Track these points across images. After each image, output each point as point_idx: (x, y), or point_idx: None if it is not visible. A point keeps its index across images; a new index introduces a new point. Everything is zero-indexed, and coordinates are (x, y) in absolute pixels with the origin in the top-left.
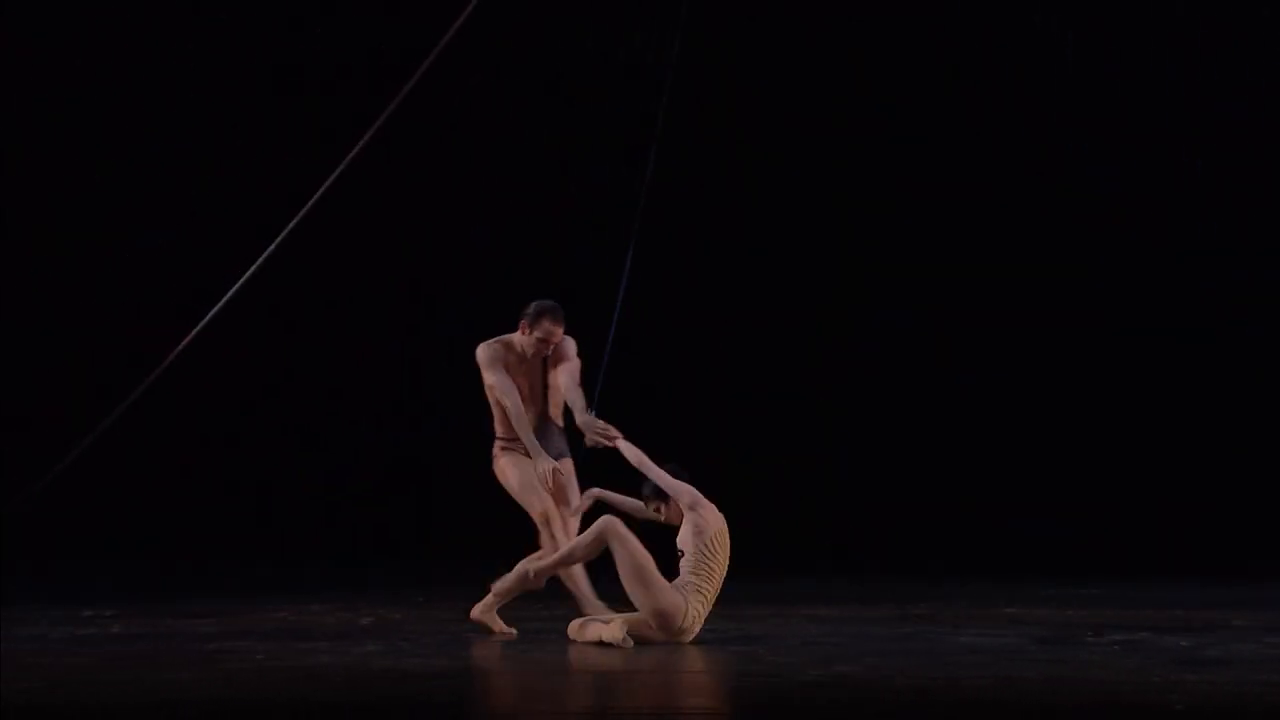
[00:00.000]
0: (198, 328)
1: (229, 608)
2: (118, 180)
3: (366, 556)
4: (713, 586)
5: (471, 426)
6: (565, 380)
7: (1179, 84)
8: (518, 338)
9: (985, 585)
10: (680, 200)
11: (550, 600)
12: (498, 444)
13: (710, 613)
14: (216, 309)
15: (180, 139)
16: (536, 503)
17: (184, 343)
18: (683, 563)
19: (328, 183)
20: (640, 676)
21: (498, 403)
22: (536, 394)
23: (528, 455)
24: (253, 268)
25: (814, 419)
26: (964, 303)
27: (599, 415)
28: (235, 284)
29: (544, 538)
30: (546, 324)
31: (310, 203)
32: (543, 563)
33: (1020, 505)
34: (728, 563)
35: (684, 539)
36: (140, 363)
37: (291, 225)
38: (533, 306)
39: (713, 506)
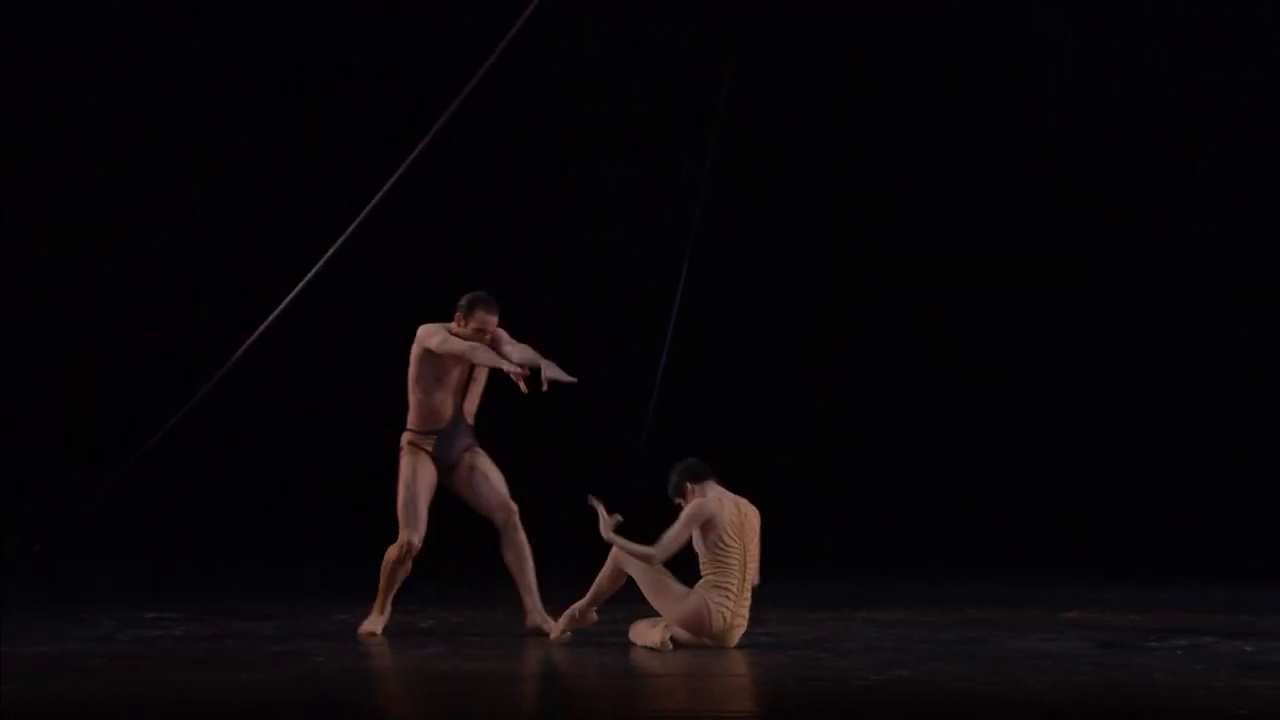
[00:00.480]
0: (259, 330)
1: (290, 610)
2: (118, 180)
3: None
4: (733, 579)
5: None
6: (508, 348)
7: (1179, 84)
8: (454, 328)
9: (1033, 587)
10: (681, 201)
11: (608, 603)
12: (407, 434)
13: (767, 615)
14: (275, 314)
15: (180, 139)
16: (410, 528)
17: (245, 345)
18: (700, 565)
19: (385, 187)
20: (676, 680)
21: (422, 392)
22: (461, 387)
23: (431, 456)
24: (309, 274)
25: (814, 419)
26: (964, 303)
27: (658, 417)
28: (291, 292)
29: (392, 547)
30: (480, 314)
31: (369, 206)
32: (579, 603)
33: (1020, 505)
34: (753, 549)
35: (696, 544)
36: (140, 362)
37: (349, 231)
38: (465, 298)
39: (722, 500)
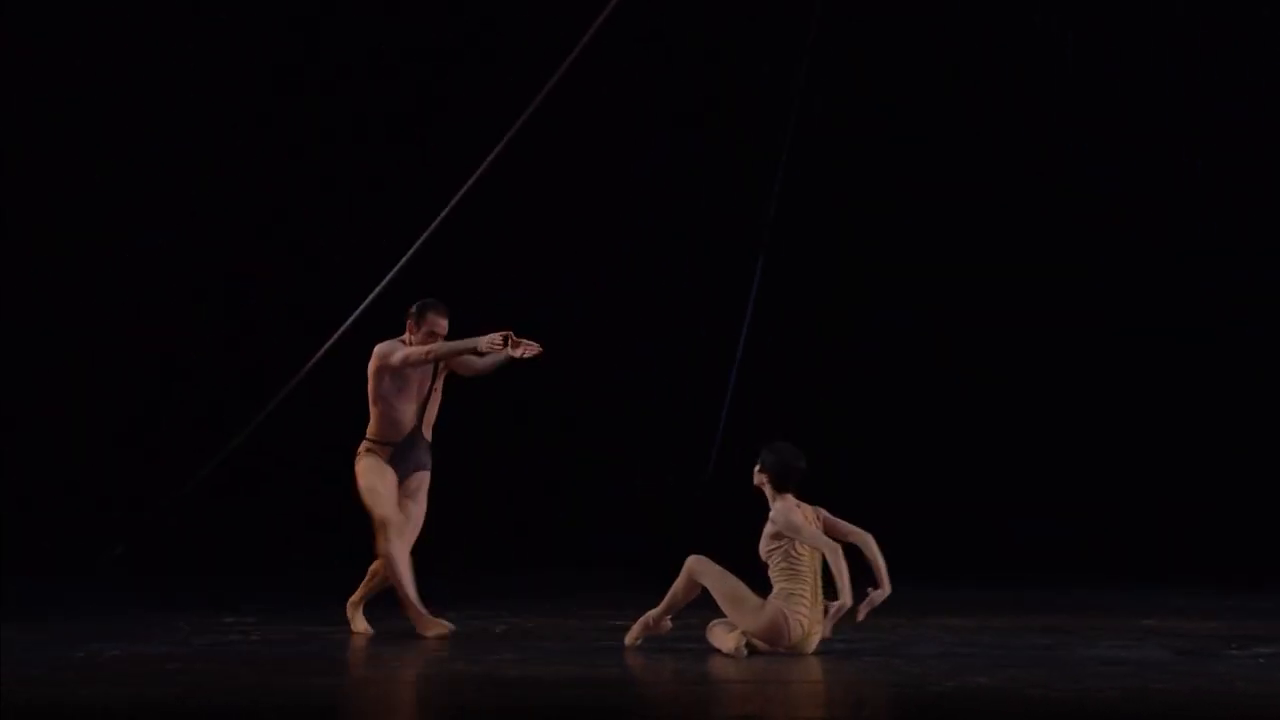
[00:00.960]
0: (333, 338)
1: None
2: (118, 180)
3: (497, 565)
4: (806, 586)
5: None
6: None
7: (1179, 84)
8: (407, 338)
9: (1114, 594)
10: (683, 199)
11: (684, 610)
12: (365, 443)
13: (839, 621)
14: (348, 323)
15: (180, 139)
16: (381, 506)
17: (319, 353)
18: (770, 574)
19: (456, 198)
20: (751, 686)
21: (383, 406)
22: (422, 398)
23: (387, 460)
24: (384, 281)
25: (814, 419)
26: (964, 303)
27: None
28: (367, 298)
29: (379, 540)
30: (431, 317)
31: (444, 211)
32: (654, 611)
33: (1020, 505)
34: (817, 552)
35: (763, 550)
36: (140, 362)
37: (423, 238)
38: (416, 305)
39: (795, 509)
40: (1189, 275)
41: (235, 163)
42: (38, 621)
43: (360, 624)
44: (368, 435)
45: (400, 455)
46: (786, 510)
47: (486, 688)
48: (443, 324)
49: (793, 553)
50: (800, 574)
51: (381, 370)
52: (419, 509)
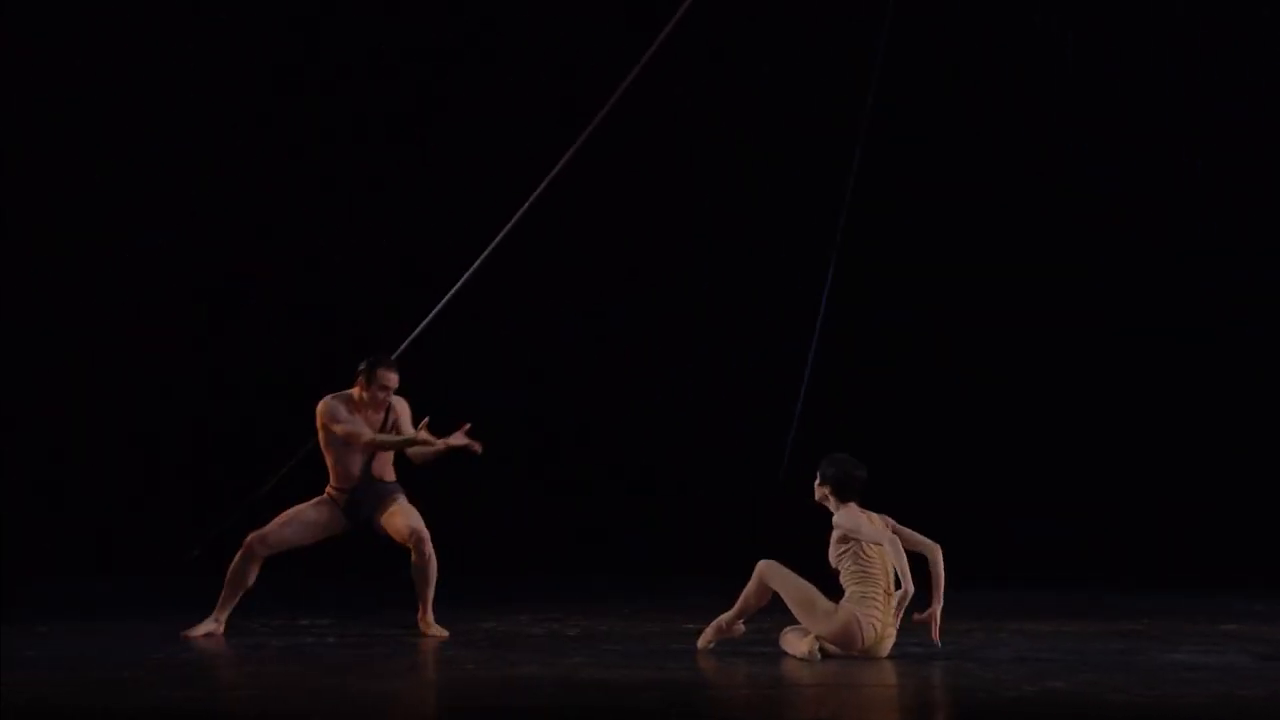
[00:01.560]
0: (401, 348)
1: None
2: (118, 180)
3: (571, 568)
4: (878, 588)
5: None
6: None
7: (1179, 84)
8: (356, 392)
9: (1190, 599)
10: (683, 198)
11: (757, 614)
12: (329, 488)
13: (916, 624)
14: (412, 337)
15: (180, 139)
16: (270, 531)
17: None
18: (841, 580)
19: (527, 204)
20: (824, 690)
21: (333, 456)
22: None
23: (340, 510)
24: (448, 296)
25: (814, 419)
26: (964, 303)
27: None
28: (430, 314)
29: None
30: (381, 373)
31: (510, 224)
32: (726, 615)
33: (1020, 506)
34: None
35: (833, 557)
36: (140, 362)
37: (488, 250)
38: (365, 362)
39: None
40: (1189, 275)
41: (235, 163)
42: (118, 621)
43: (434, 630)
44: (330, 483)
45: (357, 501)
46: (849, 514)
47: (560, 690)
48: (393, 378)
49: (862, 555)
50: (872, 576)
51: (325, 428)
52: (414, 520)
